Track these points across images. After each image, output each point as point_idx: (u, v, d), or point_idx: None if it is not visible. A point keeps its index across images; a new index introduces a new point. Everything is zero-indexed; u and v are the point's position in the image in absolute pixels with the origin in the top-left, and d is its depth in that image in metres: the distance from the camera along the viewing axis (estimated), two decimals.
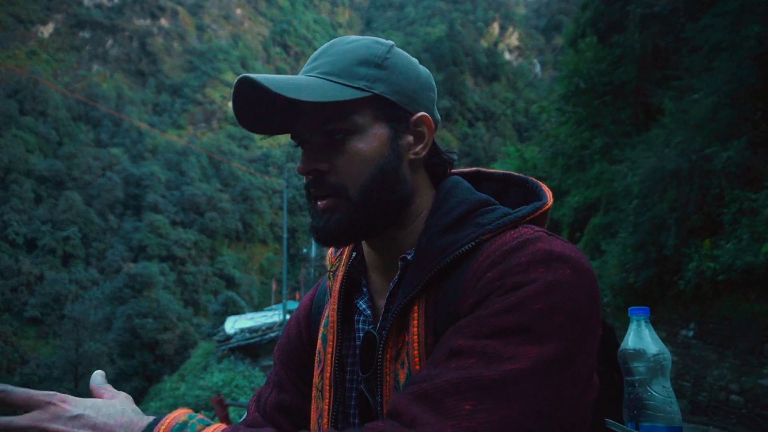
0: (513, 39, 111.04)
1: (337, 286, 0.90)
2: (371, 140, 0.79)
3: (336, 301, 0.88)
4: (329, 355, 0.87)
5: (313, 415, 0.88)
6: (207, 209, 68.61)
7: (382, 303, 0.84)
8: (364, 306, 0.87)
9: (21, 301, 51.71)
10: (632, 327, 0.80)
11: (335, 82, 0.77)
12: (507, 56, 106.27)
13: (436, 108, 0.87)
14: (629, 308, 0.82)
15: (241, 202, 72.64)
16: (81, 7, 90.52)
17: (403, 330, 0.77)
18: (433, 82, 0.86)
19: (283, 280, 23.48)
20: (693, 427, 6.39)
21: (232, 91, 0.75)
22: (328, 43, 0.84)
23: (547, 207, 0.80)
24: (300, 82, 0.75)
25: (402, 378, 0.75)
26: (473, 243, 0.74)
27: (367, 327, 0.86)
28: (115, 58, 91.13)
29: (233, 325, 20.64)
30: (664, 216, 7.55)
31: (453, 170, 0.93)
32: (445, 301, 0.74)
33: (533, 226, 0.75)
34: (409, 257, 0.80)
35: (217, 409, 6.23)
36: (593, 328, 0.67)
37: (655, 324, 7.82)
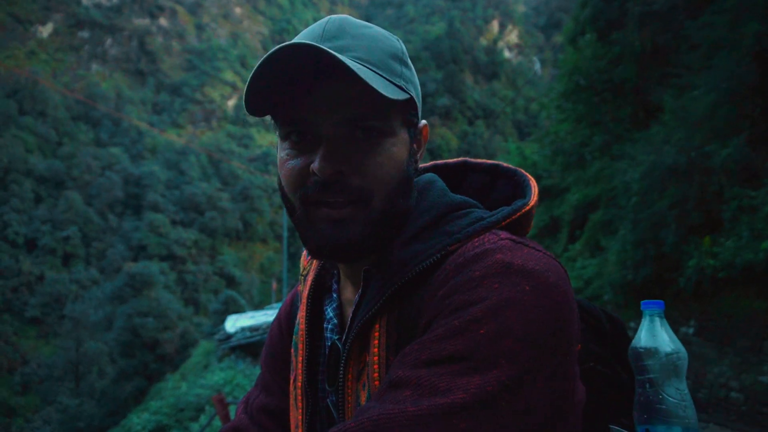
0: (513, 37, 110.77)
1: (306, 292, 0.84)
2: (401, 145, 0.71)
3: (305, 308, 0.83)
4: (300, 365, 0.81)
5: (292, 424, 0.84)
6: (207, 208, 68.52)
7: (350, 313, 0.77)
8: (331, 314, 0.81)
9: (21, 301, 51.65)
10: (644, 323, 0.73)
11: (377, 73, 0.66)
12: (506, 54, 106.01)
13: None
14: (641, 302, 0.74)
15: (241, 201, 72.55)
16: (80, 7, 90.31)
17: (365, 349, 0.70)
18: None
19: (284, 279, 23.50)
20: None
21: (267, 55, 0.62)
22: (336, 19, 0.70)
23: (528, 208, 0.72)
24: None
25: (363, 399, 0.68)
26: (438, 255, 0.66)
27: (334, 336, 0.80)
28: (114, 57, 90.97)
29: (234, 323, 20.57)
30: (664, 213, 7.54)
31: (440, 161, 0.88)
32: (409, 318, 0.66)
33: (501, 233, 0.66)
34: (373, 268, 0.73)
35: (218, 407, 6.25)
36: (556, 350, 0.58)
37: None
